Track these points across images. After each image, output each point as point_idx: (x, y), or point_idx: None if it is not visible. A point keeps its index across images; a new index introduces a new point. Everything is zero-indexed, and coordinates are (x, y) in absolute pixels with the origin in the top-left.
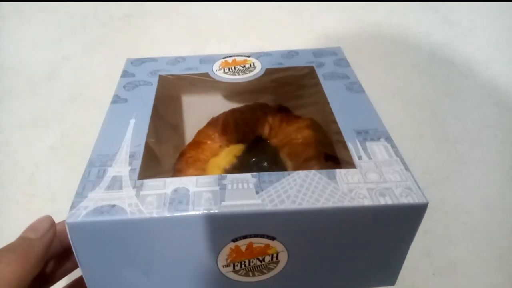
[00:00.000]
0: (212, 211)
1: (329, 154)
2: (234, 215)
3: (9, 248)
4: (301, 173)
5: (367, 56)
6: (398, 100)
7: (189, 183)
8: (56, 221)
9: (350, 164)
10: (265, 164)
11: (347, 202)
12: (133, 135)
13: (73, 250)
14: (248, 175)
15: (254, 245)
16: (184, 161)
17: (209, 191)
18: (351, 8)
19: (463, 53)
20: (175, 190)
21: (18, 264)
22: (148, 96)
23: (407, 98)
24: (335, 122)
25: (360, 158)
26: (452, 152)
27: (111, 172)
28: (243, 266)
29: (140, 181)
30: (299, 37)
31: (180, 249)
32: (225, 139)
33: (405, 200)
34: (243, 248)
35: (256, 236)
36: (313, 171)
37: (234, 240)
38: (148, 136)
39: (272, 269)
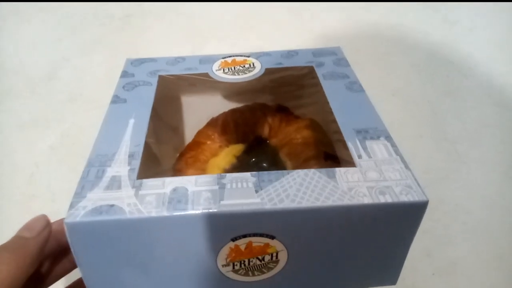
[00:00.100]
0: (211, 210)
1: (329, 153)
2: (233, 214)
3: (4, 247)
4: (301, 172)
5: (366, 56)
6: (398, 100)
7: (188, 182)
8: None
9: (350, 163)
10: (264, 164)
11: (346, 201)
12: (132, 135)
13: (72, 250)
14: (247, 174)
15: (254, 244)
16: (183, 162)
17: (208, 190)
18: (351, 8)
19: (463, 53)
20: (174, 190)
21: (12, 263)
22: (147, 96)
23: (406, 98)
24: (334, 121)
25: (360, 157)
26: (452, 151)
27: (110, 172)
28: (242, 265)
29: (139, 181)
30: (298, 37)
31: (179, 248)
32: (225, 139)
33: (405, 198)
34: (242, 248)
35: (255, 235)
36: (312, 170)
37: (233, 240)
38: (148, 136)
39: (272, 268)
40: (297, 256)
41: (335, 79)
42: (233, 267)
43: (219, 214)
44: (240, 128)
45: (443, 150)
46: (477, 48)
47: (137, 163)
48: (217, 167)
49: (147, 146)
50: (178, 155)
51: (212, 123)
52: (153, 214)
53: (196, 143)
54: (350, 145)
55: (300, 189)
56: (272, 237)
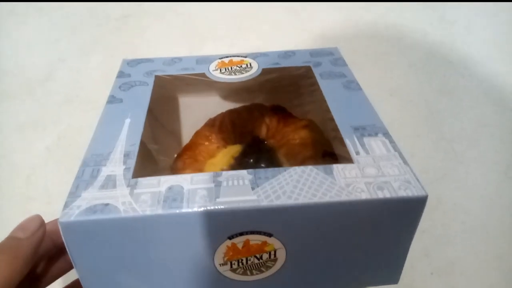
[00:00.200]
0: (206, 208)
1: (328, 151)
2: (229, 211)
3: None
4: (298, 169)
5: (364, 55)
6: (395, 99)
7: (184, 181)
8: None
9: (347, 160)
10: (262, 165)
11: (344, 197)
12: (128, 135)
13: (67, 250)
14: (243, 171)
15: (251, 242)
16: (181, 162)
17: (204, 188)
18: (348, 8)
19: (460, 52)
20: (170, 188)
21: (5, 263)
22: (143, 96)
23: (404, 98)
24: (332, 120)
25: (357, 153)
26: (449, 151)
27: (105, 171)
28: (240, 264)
29: (134, 179)
30: (296, 37)
31: (175, 247)
32: (223, 140)
33: (403, 193)
34: (239, 246)
35: (252, 233)
36: (309, 167)
37: (230, 238)
38: (145, 136)
39: (270, 267)
40: (296, 254)
41: (332, 78)
42: (231, 266)
43: (215, 211)
44: (237, 129)
45: (440, 150)
46: (475, 48)
47: (132, 162)
48: (214, 168)
49: (143, 146)
50: (175, 155)
51: (209, 124)
52: (148, 212)
53: (194, 143)
54: (347, 142)
55: (297, 185)
56: (270, 235)
